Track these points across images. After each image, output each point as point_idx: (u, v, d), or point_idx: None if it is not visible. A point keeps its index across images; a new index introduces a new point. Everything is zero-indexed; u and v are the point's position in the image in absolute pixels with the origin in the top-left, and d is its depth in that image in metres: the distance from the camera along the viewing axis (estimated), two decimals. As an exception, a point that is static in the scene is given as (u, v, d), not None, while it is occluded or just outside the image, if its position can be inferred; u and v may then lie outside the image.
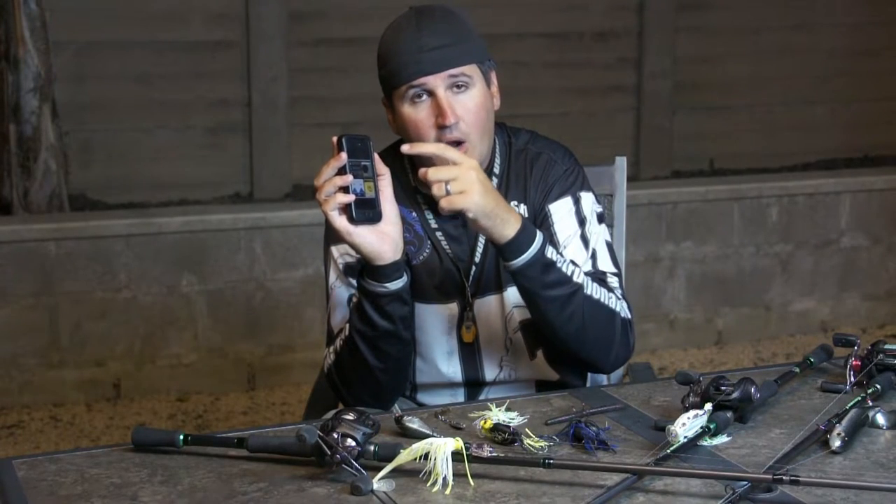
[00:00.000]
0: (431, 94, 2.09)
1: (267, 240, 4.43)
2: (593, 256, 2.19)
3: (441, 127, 2.08)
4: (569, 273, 2.08)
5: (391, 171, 2.19)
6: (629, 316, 2.18)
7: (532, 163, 2.24)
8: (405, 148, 2.06)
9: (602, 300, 2.12)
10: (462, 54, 2.10)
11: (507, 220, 2.02)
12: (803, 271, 5.07)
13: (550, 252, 2.06)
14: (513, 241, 2.02)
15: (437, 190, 1.97)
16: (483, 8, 4.63)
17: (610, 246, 2.24)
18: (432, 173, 1.97)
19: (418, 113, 2.10)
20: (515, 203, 2.21)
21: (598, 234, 2.23)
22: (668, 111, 5.33)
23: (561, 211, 2.21)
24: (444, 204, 1.97)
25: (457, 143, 2.09)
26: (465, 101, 2.10)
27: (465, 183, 1.97)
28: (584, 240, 2.20)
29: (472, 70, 2.11)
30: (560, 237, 2.19)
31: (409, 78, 2.09)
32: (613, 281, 2.20)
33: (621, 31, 5.24)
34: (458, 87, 2.10)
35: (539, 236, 2.05)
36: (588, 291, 2.10)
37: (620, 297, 2.18)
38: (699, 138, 5.40)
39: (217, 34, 4.76)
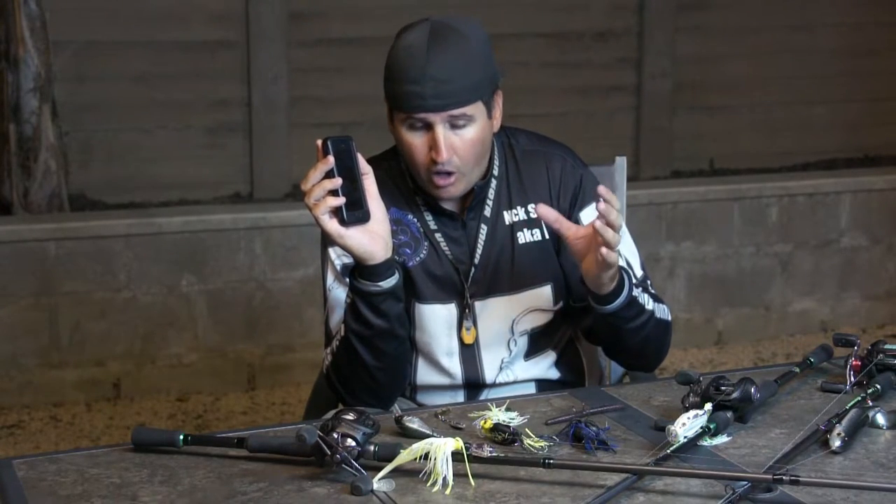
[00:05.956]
0: (430, 127, 2.09)
1: (267, 240, 4.43)
2: (629, 266, 2.21)
3: (434, 161, 2.10)
4: (643, 303, 2.13)
5: (389, 174, 2.21)
6: (671, 318, 2.25)
7: (547, 164, 2.25)
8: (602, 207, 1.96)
9: (662, 317, 2.19)
10: (466, 93, 2.08)
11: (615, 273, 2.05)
12: (803, 271, 5.06)
13: (634, 289, 2.10)
14: (615, 289, 2.06)
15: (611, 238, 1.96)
16: (483, 8, 4.63)
17: (633, 246, 2.27)
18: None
19: (414, 139, 2.11)
20: (533, 206, 2.21)
21: (623, 237, 2.24)
22: (668, 111, 5.32)
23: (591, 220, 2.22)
24: (613, 259, 1.98)
25: (447, 174, 2.11)
26: (462, 135, 2.10)
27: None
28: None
29: (473, 108, 2.10)
30: None
31: (409, 109, 2.09)
32: (650, 286, 2.24)
33: (621, 31, 5.24)
34: (457, 126, 2.10)
35: (627, 278, 2.09)
36: (657, 315, 2.17)
37: (661, 301, 2.23)
38: (699, 138, 5.39)
39: (217, 34, 4.76)
